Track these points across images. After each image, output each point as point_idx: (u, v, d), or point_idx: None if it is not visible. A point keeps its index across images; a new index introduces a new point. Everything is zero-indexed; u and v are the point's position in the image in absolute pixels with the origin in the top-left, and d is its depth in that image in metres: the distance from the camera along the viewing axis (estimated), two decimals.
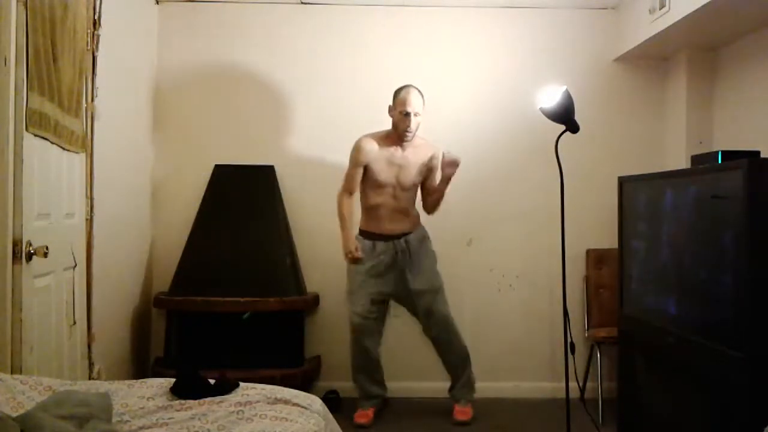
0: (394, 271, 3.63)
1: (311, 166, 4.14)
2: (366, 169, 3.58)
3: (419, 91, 3.56)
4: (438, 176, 3.67)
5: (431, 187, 3.71)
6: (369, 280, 3.60)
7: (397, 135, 3.57)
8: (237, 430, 1.73)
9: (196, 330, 3.76)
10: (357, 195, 3.68)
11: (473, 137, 4.11)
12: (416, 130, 3.56)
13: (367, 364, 3.71)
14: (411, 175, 3.61)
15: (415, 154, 3.62)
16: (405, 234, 3.64)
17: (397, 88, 3.60)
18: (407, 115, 3.49)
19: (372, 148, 3.56)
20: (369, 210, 3.65)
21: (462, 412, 3.66)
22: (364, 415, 3.63)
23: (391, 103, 3.59)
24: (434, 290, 3.66)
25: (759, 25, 3.34)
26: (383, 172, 3.57)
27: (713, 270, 2.61)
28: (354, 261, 3.58)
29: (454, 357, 3.73)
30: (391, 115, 3.58)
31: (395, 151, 3.59)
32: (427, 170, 3.68)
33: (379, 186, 3.59)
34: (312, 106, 4.15)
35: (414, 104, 3.50)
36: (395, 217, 3.62)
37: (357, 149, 3.58)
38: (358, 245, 3.58)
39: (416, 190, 3.71)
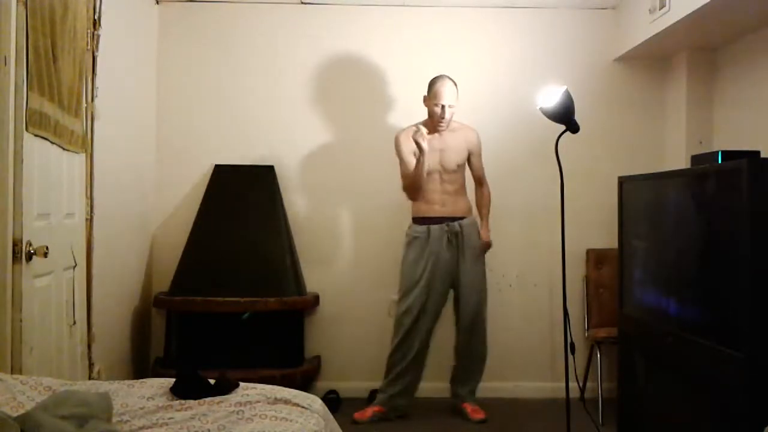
0: (450, 258, 3.65)
1: (311, 166, 4.14)
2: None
3: (453, 81, 3.66)
4: (476, 161, 3.80)
5: (476, 171, 3.81)
6: (423, 276, 3.61)
7: (432, 124, 3.67)
8: (237, 430, 1.73)
9: (196, 330, 3.76)
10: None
11: None
12: (450, 119, 3.66)
13: (414, 362, 3.67)
14: (452, 158, 3.70)
15: (453, 138, 3.72)
16: (459, 218, 3.68)
17: (432, 79, 3.68)
18: (442, 107, 3.60)
19: (410, 138, 3.64)
20: (420, 197, 3.69)
21: (477, 410, 3.69)
22: (363, 412, 3.65)
23: (426, 93, 3.68)
24: (479, 282, 3.72)
25: (759, 25, 3.34)
26: (427, 159, 3.62)
27: (713, 270, 2.61)
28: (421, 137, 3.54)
29: (476, 357, 3.75)
30: (426, 105, 3.68)
31: (435, 137, 3.67)
32: (468, 152, 3.76)
33: (425, 173, 3.65)
34: (312, 105, 4.15)
35: (448, 96, 3.61)
36: (446, 200, 3.69)
37: (397, 144, 3.69)
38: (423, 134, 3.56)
39: (463, 173, 3.76)
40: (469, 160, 3.78)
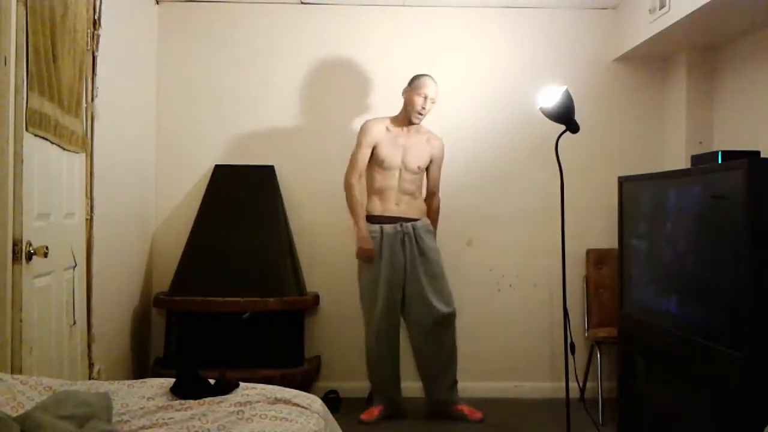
0: (403, 258, 3.63)
1: (311, 166, 4.14)
2: (373, 150, 3.66)
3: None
4: (435, 171, 3.80)
5: (433, 181, 3.80)
6: (385, 280, 3.60)
7: (407, 117, 3.67)
8: (237, 430, 1.73)
9: (196, 330, 3.76)
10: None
11: (473, 137, 4.11)
12: (426, 114, 3.67)
13: (389, 366, 3.72)
14: (415, 157, 3.68)
15: (419, 139, 3.72)
16: (412, 220, 3.67)
17: (416, 75, 3.69)
18: (425, 98, 3.61)
19: (379, 129, 3.67)
20: (376, 193, 3.69)
21: (473, 411, 3.67)
22: (369, 412, 3.66)
23: (407, 86, 3.68)
24: (441, 278, 3.68)
25: (759, 25, 3.34)
26: (389, 154, 3.65)
27: (713, 270, 2.61)
28: (367, 259, 3.61)
29: (447, 354, 3.69)
30: (406, 96, 3.67)
31: (401, 133, 3.68)
32: (430, 158, 3.75)
33: (385, 168, 3.65)
34: (312, 105, 4.15)
35: (434, 90, 3.65)
36: (402, 199, 3.67)
37: (363, 131, 3.69)
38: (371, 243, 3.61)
39: (422, 177, 3.75)
40: (428, 167, 3.76)
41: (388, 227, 3.62)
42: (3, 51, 2.27)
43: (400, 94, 3.71)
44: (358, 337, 4.05)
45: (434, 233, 3.77)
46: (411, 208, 3.68)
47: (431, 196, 3.82)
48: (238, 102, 4.14)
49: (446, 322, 3.65)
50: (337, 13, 4.13)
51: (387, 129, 3.68)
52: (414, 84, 3.66)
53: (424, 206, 3.76)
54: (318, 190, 4.13)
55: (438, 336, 3.65)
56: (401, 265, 3.63)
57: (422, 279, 3.63)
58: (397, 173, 3.66)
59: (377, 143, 3.64)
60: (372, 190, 3.71)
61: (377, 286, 3.61)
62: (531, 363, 4.14)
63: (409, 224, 3.65)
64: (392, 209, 3.65)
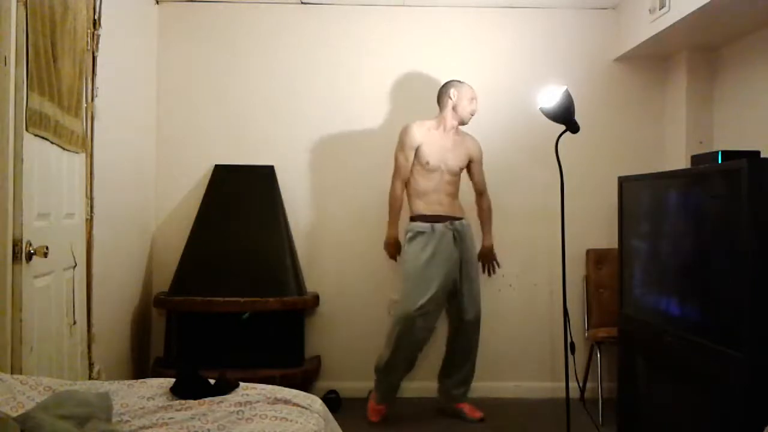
0: (456, 256, 3.64)
1: (311, 166, 4.14)
2: (416, 152, 3.66)
3: None
4: (478, 170, 3.84)
5: (478, 181, 3.85)
6: (432, 269, 3.57)
7: (457, 119, 3.69)
8: (237, 430, 1.73)
9: (196, 330, 3.76)
10: None
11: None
12: None
13: (409, 362, 3.69)
14: (457, 159, 3.71)
15: (460, 141, 3.74)
16: (457, 218, 3.69)
17: (454, 80, 3.72)
18: (472, 99, 3.70)
19: (420, 131, 3.67)
20: (419, 196, 3.67)
21: (473, 409, 3.69)
22: (376, 411, 3.67)
23: (450, 93, 3.66)
24: (476, 282, 3.74)
25: (759, 25, 3.34)
26: (433, 154, 3.64)
27: (713, 270, 2.61)
28: (391, 256, 3.81)
29: (474, 357, 3.76)
30: (455, 102, 3.67)
31: (443, 135, 3.69)
32: (469, 159, 3.77)
33: (429, 170, 3.65)
34: (312, 106, 4.15)
35: (474, 92, 3.74)
36: (445, 200, 3.68)
37: (406, 132, 3.67)
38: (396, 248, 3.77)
39: (459, 179, 3.77)
40: (469, 168, 3.79)
41: (438, 225, 3.62)
42: (3, 51, 2.27)
43: (441, 99, 3.70)
44: (358, 337, 4.06)
45: (490, 232, 3.86)
46: (454, 207, 3.71)
47: (480, 196, 3.86)
48: (238, 102, 4.14)
49: (473, 325, 3.71)
50: (337, 13, 4.13)
51: (428, 130, 3.68)
52: (461, 91, 3.66)
53: (462, 207, 3.77)
54: (318, 189, 4.13)
55: (463, 333, 3.71)
56: (456, 260, 3.63)
57: (463, 281, 3.66)
58: (439, 175, 3.66)
59: (421, 143, 3.64)
60: (415, 193, 3.68)
61: (431, 272, 3.54)
62: (531, 363, 4.14)
63: (457, 222, 3.67)
64: (437, 209, 3.65)
